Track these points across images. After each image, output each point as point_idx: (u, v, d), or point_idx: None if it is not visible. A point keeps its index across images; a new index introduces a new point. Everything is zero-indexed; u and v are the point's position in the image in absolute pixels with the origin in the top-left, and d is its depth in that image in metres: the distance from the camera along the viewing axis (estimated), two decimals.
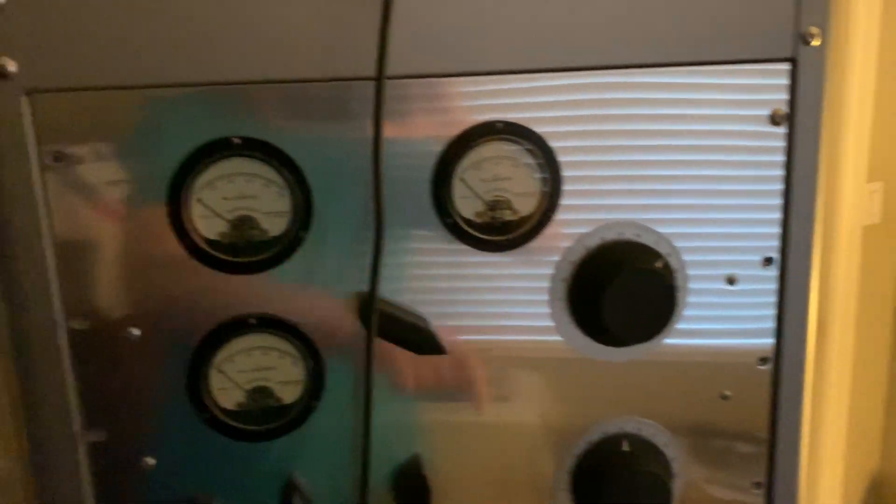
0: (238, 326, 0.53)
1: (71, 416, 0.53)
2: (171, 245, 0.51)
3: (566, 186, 0.55)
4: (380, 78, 0.49)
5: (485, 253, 0.55)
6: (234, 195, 0.52)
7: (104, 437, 0.53)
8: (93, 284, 0.52)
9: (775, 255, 0.58)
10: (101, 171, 0.49)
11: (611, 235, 0.56)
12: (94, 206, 0.50)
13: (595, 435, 0.60)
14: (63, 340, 0.51)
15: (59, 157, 0.49)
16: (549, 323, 0.57)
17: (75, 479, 0.53)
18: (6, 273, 0.50)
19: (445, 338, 0.55)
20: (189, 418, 0.54)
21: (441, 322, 0.56)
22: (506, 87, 0.53)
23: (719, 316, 0.59)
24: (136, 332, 0.52)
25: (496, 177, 0.54)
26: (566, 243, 0.56)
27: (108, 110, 0.49)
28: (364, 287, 0.54)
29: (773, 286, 0.58)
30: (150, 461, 0.54)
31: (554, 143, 0.54)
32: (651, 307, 0.55)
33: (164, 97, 0.49)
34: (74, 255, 0.51)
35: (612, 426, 0.60)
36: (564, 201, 0.55)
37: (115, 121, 0.50)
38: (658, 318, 0.56)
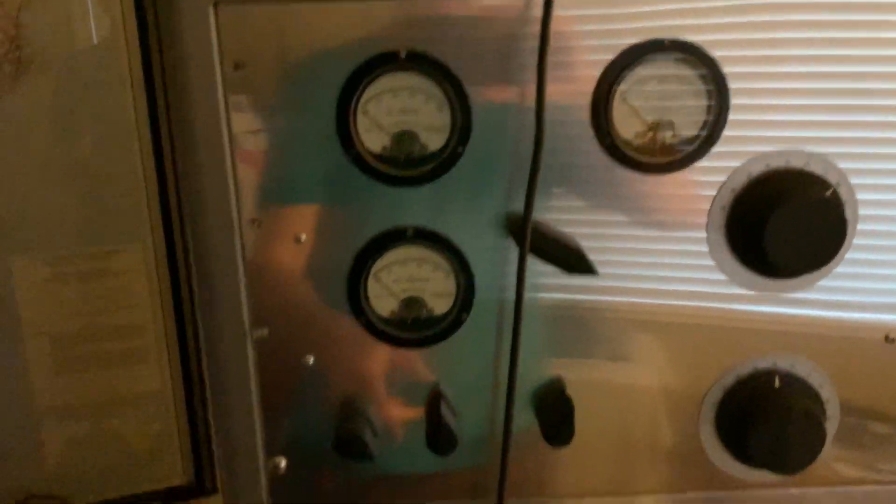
0: (395, 237, 0.55)
1: (241, 315, 0.56)
2: (336, 154, 0.54)
3: (734, 112, 0.53)
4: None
5: (642, 176, 0.54)
6: (398, 109, 0.53)
7: (269, 335, 0.57)
8: (262, 188, 0.54)
9: None
10: (276, 79, 0.52)
11: (777, 163, 0.54)
12: (267, 111, 0.52)
13: (746, 369, 0.58)
14: (237, 242, 0.55)
15: (238, 66, 0.52)
16: (705, 249, 0.56)
17: (244, 373, 0.57)
18: (188, 166, 0.53)
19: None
20: (347, 323, 0.56)
21: (594, 245, 0.55)
22: (675, 6, 0.51)
23: (890, 252, 0.56)
24: (302, 236, 0.55)
25: (661, 96, 0.53)
26: (729, 170, 0.54)
27: (286, 23, 0.51)
28: (518, 205, 0.54)
29: None
30: (310, 359, 0.57)
31: (724, 66, 0.52)
32: (817, 239, 0.53)
33: (340, 11, 0.51)
34: (249, 158, 0.54)
35: (764, 362, 0.58)
36: (730, 128, 0.53)
37: (293, 33, 0.52)
38: (823, 251, 0.53)
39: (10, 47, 1.00)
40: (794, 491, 0.61)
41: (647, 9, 0.51)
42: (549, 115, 0.52)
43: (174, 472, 1.38)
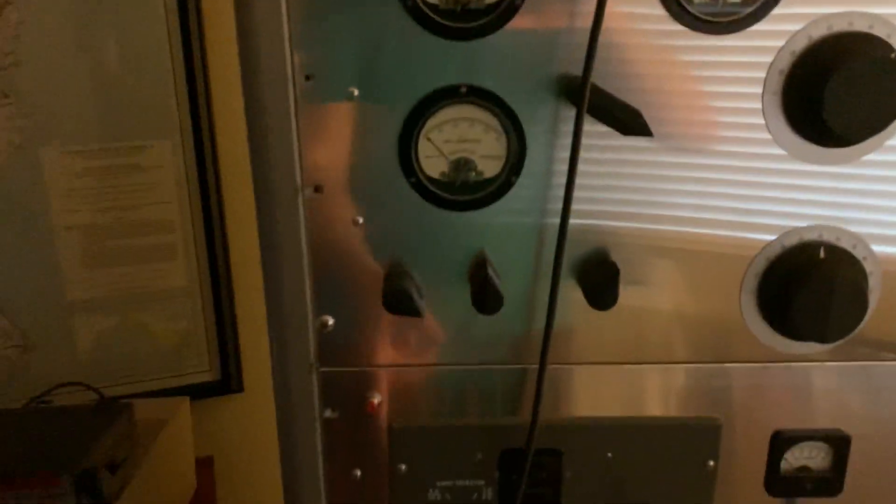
0: (449, 94, 0.55)
1: (294, 172, 0.56)
2: (397, 12, 0.53)
3: None
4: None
5: (700, 35, 0.54)
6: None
7: (321, 193, 0.57)
8: (320, 44, 0.54)
9: None
10: None
11: (840, 25, 0.53)
12: None
13: (791, 240, 0.59)
14: (290, 98, 0.55)
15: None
16: (759, 119, 0.56)
17: (295, 227, 0.57)
18: (247, 27, 0.53)
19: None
20: (397, 182, 0.57)
21: (647, 108, 0.55)
22: None
23: None
24: (354, 91, 0.55)
25: None
26: (789, 32, 0.53)
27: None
28: (573, 68, 0.54)
29: None
30: (360, 219, 0.58)
31: None
32: (877, 103, 0.52)
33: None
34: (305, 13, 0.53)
35: (811, 233, 0.59)
36: None
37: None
38: (883, 116, 0.53)
39: None
40: (830, 364, 0.62)
41: None
42: None
43: (200, 369, 1.41)
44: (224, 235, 1.36)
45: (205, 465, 1.34)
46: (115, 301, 1.34)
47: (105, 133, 1.26)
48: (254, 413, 1.44)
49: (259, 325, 1.36)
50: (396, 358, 0.61)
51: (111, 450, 0.93)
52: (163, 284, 1.37)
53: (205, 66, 1.27)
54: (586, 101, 0.52)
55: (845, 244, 0.58)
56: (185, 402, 1.24)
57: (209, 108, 1.32)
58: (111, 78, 1.23)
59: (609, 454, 0.64)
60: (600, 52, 0.53)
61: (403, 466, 0.64)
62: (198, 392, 1.40)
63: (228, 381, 1.44)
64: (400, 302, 0.56)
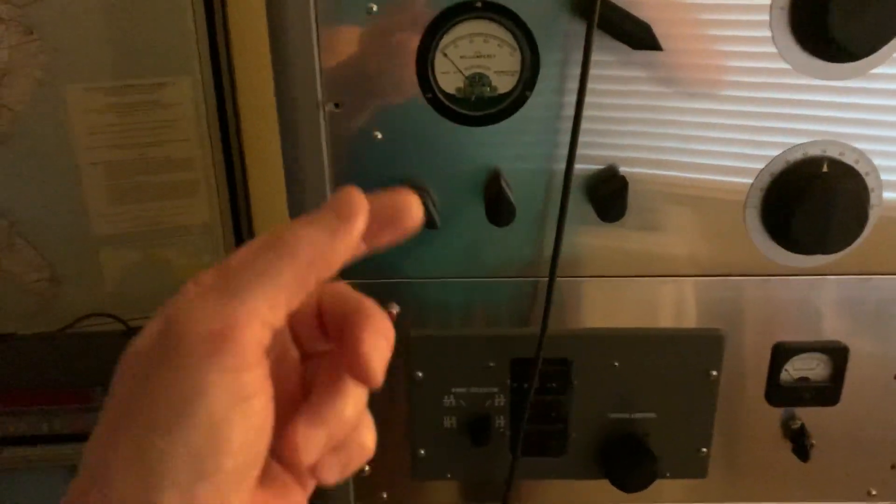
0: (464, 9, 0.56)
1: (315, 88, 0.59)
2: None
3: None
4: None
5: None
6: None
7: (341, 108, 0.59)
8: None
9: None
10: None
11: None
12: None
13: (795, 155, 0.61)
14: (311, 13, 0.57)
15: None
16: (766, 32, 0.57)
17: (316, 144, 0.60)
18: None
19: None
20: (414, 98, 0.59)
21: (657, 16, 0.57)
22: None
23: None
24: (373, 7, 0.57)
25: None
26: None
27: None
28: None
29: None
30: (378, 135, 0.60)
31: None
32: (884, 13, 0.53)
33: None
34: None
35: (814, 148, 0.60)
36: None
37: None
38: (891, 25, 0.54)
39: None
40: (830, 278, 0.64)
41: None
42: None
43: None
44: (244, 171, 1.39)
45: None
46: (139, 236, 1.38)
47: (125, 70, 1.28)
48: None
49: None
50: (414, 270, 0.64)
51: None
52: (185, 221, 1.41)
53: (223, 2, 1.29)
54: (597, 14, 0.53)
55: (848, 159, 0.60)
56: None
57: (228, 45, 1.34)
58: (130, 14, 1.24)
59: (616, 363, 0.67)
60: None
61: (420, 373, 0.68)
62: None
63: None
64: None
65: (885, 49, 0.56)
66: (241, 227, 1.42)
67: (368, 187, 0.61)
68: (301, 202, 0.62)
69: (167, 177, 1.37)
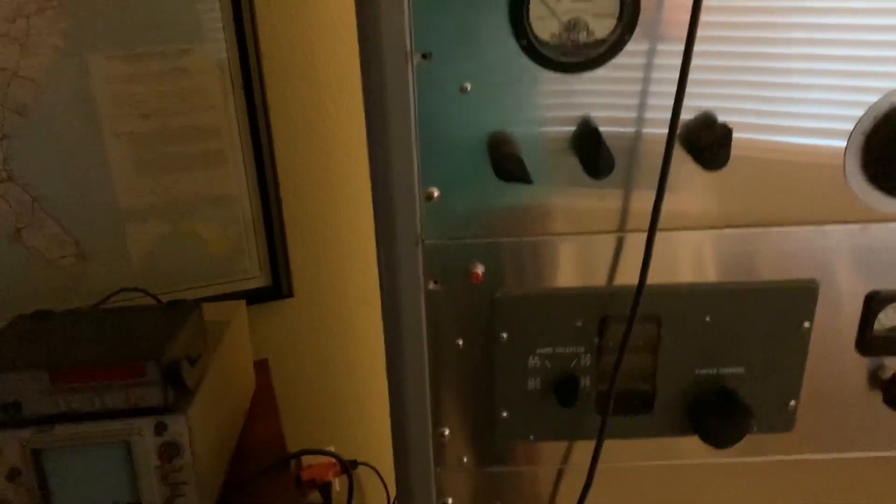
0: None
1: (403, 37, 0.56)
2: None
3: None
4: None
5: None
6: None
7: (430, 59, 0.57)
8: None
9: None
10: None
11: None
12: None
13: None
14: None
15: None
16: None
17: (404, 94, 0.57)
18: None
19: None
20: (508, 45, 0.56)
21: None
22: None
23: None
24: None
25: None
26: None
27: None
28: None
29: None
30: (468, 86, 0.58)
31: None
32: None
33: None
34: None
35: None
36: None
37: None
38: None
39: None
40: None
41: None
42: None
43: (251, 275, 1.43)
44: (270, 141, 1.36)
45: (261, 368, 1.38)
46: (166, 209, 1.35)
47: (148, 37, 1.24)
48: (304, 317, 1.47)
49: (306, 231, 1.37)
50: (500, 229, 0.62)
51: (188, 344, 0.95)
52: (212, 191, 1.38)
53: None
54: None
55: None
56: (241, 305, 1.27)
57: (252, 11, 1.30)
58: None
59: (707, 318, 0.65)
60: None
61: (505, 335, 0.66)
62: (249, 298, 1.42)
63: (279, 286, 1.46)
64: (513, 167, 0.56)
65: None
66: (268, 198, 1.39)
67: (457, 142, 0.59)
68: (386, 158, 0.59)
69: (193, 146, 1.33)
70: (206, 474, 0.91)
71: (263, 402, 1.29)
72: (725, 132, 0.57)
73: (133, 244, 1.34)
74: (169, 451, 0.91)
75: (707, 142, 0.57)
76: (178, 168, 1.32)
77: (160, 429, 0.91)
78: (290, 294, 1.46)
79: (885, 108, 0.59)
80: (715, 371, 0.67)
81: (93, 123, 1.24)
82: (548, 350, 0.66)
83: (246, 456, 1.11)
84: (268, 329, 1.45)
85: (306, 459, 1.49)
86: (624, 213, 0.62)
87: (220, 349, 1.08)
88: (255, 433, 1.20)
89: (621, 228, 0.62)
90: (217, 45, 1.28)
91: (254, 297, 1.43)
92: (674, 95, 0.55)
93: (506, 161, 0.56)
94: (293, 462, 1.59)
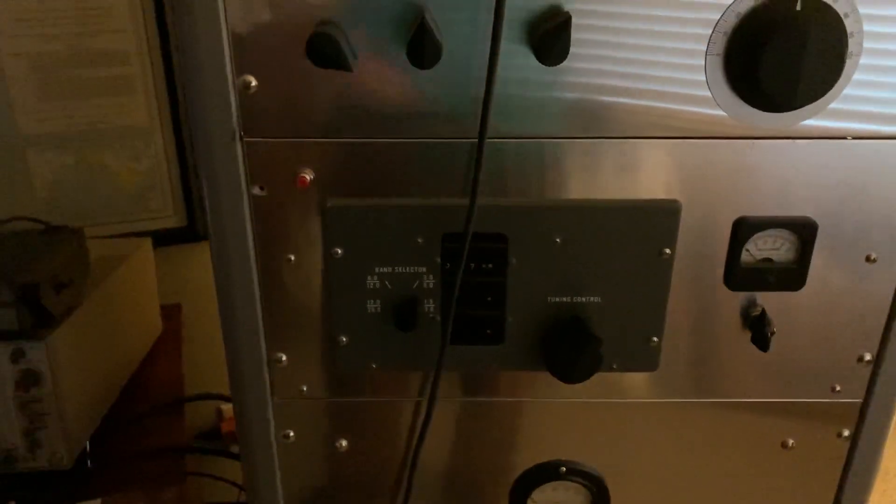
0: None
1: None
2: None
3: None
4: None
5: None
6: None
7: None
8: None
9: None
10: None
11: None
12: None
13: None
14: None
15: None
16: None
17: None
18: None
19: None
20: None
21: None
22: None
23: None
24: None
25: None
26: None
27: None
28: None
29: None
30: None
31: None
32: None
33: None
34: None
35: None
36: None
37: None
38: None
39: None
40: (801, 142, 0.57)
41: None
42: None
43: (165, 213, 1.37)
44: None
45: (173, 312, 1.32)
46: (71, 137, 1.28)
47: None
48: None
49: None
50: (329, 128, 0.56)
51: (58, 269, 0.89)
52: (121, 121, 1.31)
53: None
54: None
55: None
56: (146, 243, 1.20)
57: None
58: None
59: (557, 239, 0.59)
60: None
61: (339, 250, 0.60)
62: (164, 238, 1.36)
63: (194, 227, 1.40)
64: (325, 48, 0.50)
65: None
66: (181, 129, 1.32)
67: (273, 28, 0.52)
68: (195, 44, 0.53)
69: (101, 71, 1.26)
70: (72, 407, 0.86)
71: (168, 345, 1.23)
72: (564, 19, 0.50)
73: (36, 173, 1.27)
74: (26, 380, 0.86)
75: (544, 30, 0.51)
76: (84, 94, 1.25)
77: (17, 355, 0.85)
78: (206, 236, 1.39)
79: (749, 3, 0.52)
80: (569, 299, 0.61)
81: None
82: (387, 269, 0.60)
83: (139, 397, 1.06)
84: (184, 273, 1.38)
85: (227, 411, 1.44)
86: (466, 118, 0.55)
87: (107, 282, 1.02)
88: (155, 375, 1.14)
89: (465, 135, 0.56)
90: None
91: (168, 239, 1.36)
92: None
93: (317, 42, 0.50)
94: (215, 412, 1.54)
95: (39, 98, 1.22)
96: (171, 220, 1.38)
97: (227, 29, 0.53)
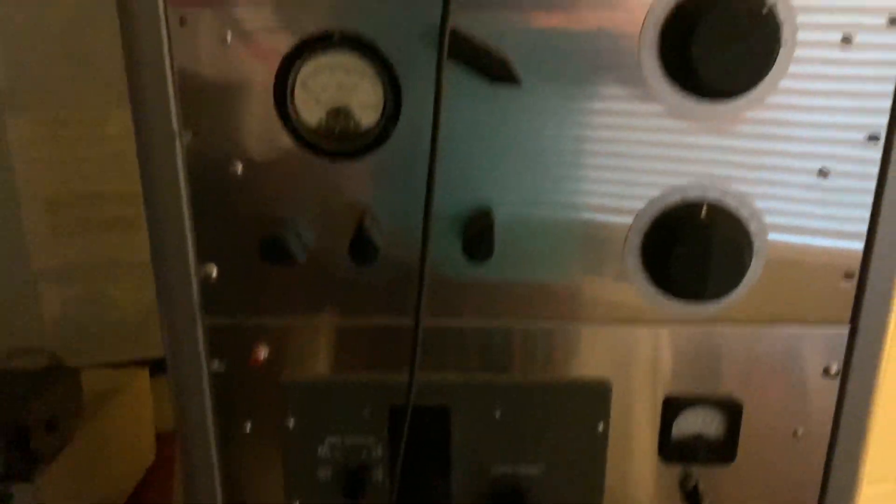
0: (322, 41, 0.54)
1: (170, 115, 0.57)
2: None
3: None
4: None
5: None
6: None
7: (196, 139, 0.57)
8: None
9: None
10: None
11: None
12: None
13: (674, 198, 0.58)
14: (165, 41, 0.55)
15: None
16: (638, 73, 0.55)
17: (174, 177, 0.58)
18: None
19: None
20: (274, 127, 0.57)
21: (521, 58, 0.55)
22: None
23: (827, 82, 0.54)
24: (228, 36, 0.55)
25: None
26: None
27: None
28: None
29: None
30: (239, 167, 0.58)
31: None
32: (748, 56, 0.51)
33: None
34: None
35: (694, 191, 0.58)
36: None
37: None
38: (755, 70, 0.52)
39: None
40: (721, 327, 0.61)
41: None
42: None
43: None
44: None
45: (170, 439, 1.35)
46: (81, 271, 1.36)
47: (70, 103, 1.27)
48: None
49: None
50: (282, 310, 0.61)
51: (49, 411, 0.94)
52: (129, 256, 1.38)
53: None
54: (445, 45, 0.51)
55: (730, 203, 0.57)
56: (142, 373, 1.25)
57: None
58: (76, 49, 1.24)
59: (497, 414, 0.63)
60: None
61: (292, 421, 0.64)
62: (161, 366, 1.40)
63: None
64: (274, 250, 0.56)
65: (758, 92, 0.54)
66: None
67: (230, 221, 0.59)
68: (161, 234, 0.59)
69: (113, 210, 1.35)
70: None
71: (161, 473, 1.26)
72: (488, 223, 0.56)
73: (45, 306, 1.34)
74: None
75: (471, 233, 0.56)
76: (95, 231, 1.33)
77: (5, 498, 0.89)
78: None
79: (660, 208, 0.58)
80: (511, 470, 0.65)
81: (9, 185, 1.25)
82: (337, 439, 0.64)
83: None
84: None
85: None
86: (408, 300, 0.60)
87: (99, 417, 1.06)
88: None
89: (408, 315, 0.61)
90: None
91: (165, 366, 1.41)
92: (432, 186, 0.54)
93: (267, 244, 0.56)
94: None
95: (53, 234, 1.31)
96: None
97: (191, 221, 0.59)
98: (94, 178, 1.32)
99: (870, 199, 0.57)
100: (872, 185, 0.57)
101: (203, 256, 0.60)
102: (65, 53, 1.24)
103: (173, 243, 0.59)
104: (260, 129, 0.57)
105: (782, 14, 0.52)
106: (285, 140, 0.57)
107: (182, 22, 0.55)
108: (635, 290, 0.60)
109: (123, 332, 1.40)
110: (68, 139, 1.28)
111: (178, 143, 0.57)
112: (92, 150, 1.31)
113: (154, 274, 0.61)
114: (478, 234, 0.56)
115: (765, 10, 0.51)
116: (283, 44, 0.55)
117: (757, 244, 0.58)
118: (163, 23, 0.54)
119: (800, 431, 0.63)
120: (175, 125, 0.57)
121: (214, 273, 0.60)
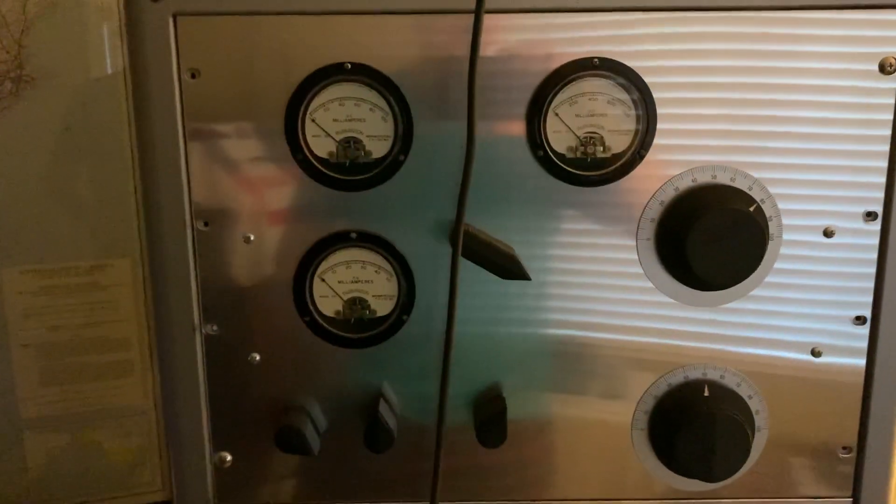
0: (340, 239, 0.58)
1: (192, 310, 0.59)
2: (285, 158, 0.57)
3: (661, 125, 0.56)
4: (478, 11, 0.51)
5: (575, 188, 0.57)
6: (344, 118, 0.56)
7: (218, 331, 0.59)
8: (215, 191, 0.58)
9: (878, 208, 0.56)
10: (231, 87, 0.55)
11: (704, 178, 0.57)
12: (221, 120, 0.56)
13: (677, 378, 0.60)
14: (189, 241, 0.58)
15: (195, 74, 0.55)
16: (636, 264, 0.58)
17: (192, 368, 0.59)
18: (145, 168, 0.56)
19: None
20: (292, 320, 0.59)
21: (527, 252, 0.58)
22: (603, 19, 0.54)
23: (814, 269, 0.58)
24: (251, 236, 0.58)
25: (591, 112, 0.56)
26: (657, 183, 0.57)
27: (241, 34, 0.55)
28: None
29: (874, 241, 0.57)
30: (256, 357, 0.60)
31: (650, 79, 0.55)
32: (740, 252, 0.55)
33: (291, 23, 0.54)
34: (203, 164, 0.57)
35: (695, 371, 0.60)
36: (658, 140, 0.56)
37: (248, 44, 0.55)
38: (746, 263, 0.55)
39: (11, 65, 1.05)
40: (725, 502, 0.62)
41: (579, 34, 0.54)
42: (485, 129, 0.55)
43: (153, 487, 1.39)
44: None
45: None
46: (69, 418, 1.34)
47: (65, 252, 1.29)
48: None
49: None
50: (291, 495, 0.62)
51: None
52: (117, 402, 1.37)
53: None
54: (459, 246, 0.54)
55: (729, 382, 0.60)
56: None
57: None
58: (73, 199, 1.27)
59: None
60: (481, 202, 0.57)
61: None
62: None
63: None
64: (291, 441, 0.57)
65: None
66: None
67: (247, 410, 0.60)
68: (176, 422, 0.60)
69: (103, 357, 1.34)
70: None
71: None
72: (501, 408, 0.58)
73: (30, 455, 1.32)
74: None
75: (483, 418, 0.58)
76: (85, 378, 1.32)
77: None
78: None
79: (663, 388, 0.60)
80: None
81: (1, 333, 1.25)
82: None
83: None
84: None
85: None
86: (412, 486, 0.61)
87: None
88: None
89: (412, 500, 0.62)
90: (133, 259, 1.33)
91: None
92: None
93: (284, 434, 0.57)
94: None
95: (41, 383, 1.29)
96: (160, 493, 1.39)
97: (207, 411, 0.60)
98: (87, 326, 1.33)
99: (860, 379, 0.60)
100: (863, 361, 0.60)
101: (218, 444, 0.61)
102: (66, 207, 1.26)
103: (189, 431, 0.60)
104: (278, 321, 0.59)
105: (769, 211, 0.57)
106: (302, 330, 0.59)
107: (206, 224, 0.57)
108: (644, 467, 0.61)
109: (108, 479, 1.37)
110: (62, 288, 1.29)
111: (198, 336, 0.59)
112: (86, 297, 1.32)
113: (170, 460, 0.61)
114: (491, 420, 0.58)
115: (752, 209, 0.55)
116: (304, 242, 0.58)
117: (759, 422, 0.60)
118: (188, 225, 0.57)
119: None
120: (196, 319, 0.59)
121: (229, 459, 0.61)
